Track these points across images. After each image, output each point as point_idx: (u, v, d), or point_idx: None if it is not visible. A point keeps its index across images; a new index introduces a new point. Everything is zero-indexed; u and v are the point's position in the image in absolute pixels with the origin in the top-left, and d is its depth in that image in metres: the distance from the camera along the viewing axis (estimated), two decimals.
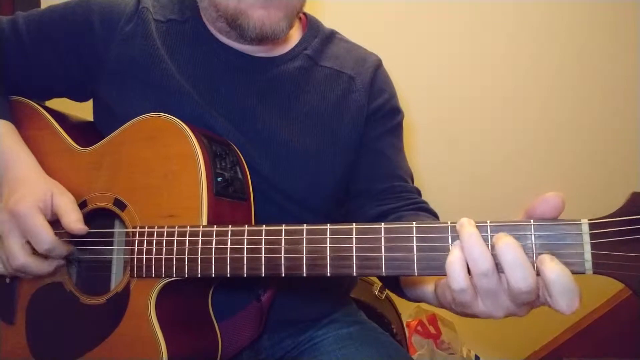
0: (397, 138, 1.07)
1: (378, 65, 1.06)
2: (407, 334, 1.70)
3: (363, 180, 1.02)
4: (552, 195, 0.59)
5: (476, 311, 0.64)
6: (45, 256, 0.84)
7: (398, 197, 1.00)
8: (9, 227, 0.82)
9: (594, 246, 0.56)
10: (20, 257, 0.82)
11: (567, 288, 0.56)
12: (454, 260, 0.60)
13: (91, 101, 1.03)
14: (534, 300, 0.60)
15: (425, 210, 0.98)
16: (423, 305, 1.91)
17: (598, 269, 0.56)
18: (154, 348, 0.78)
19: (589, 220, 0.56)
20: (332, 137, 0.98)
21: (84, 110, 1.05)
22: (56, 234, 0.83)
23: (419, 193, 1.04)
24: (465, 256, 0.60)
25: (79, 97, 1.03)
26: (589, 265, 0.56)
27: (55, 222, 0.84)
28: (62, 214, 0.83)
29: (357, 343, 0.97)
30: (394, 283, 0.89)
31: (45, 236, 0.80)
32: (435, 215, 0.99)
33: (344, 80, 1.01)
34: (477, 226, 0.60)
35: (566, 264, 0.56)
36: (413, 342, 1.76)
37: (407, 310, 1.88)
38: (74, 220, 0.82)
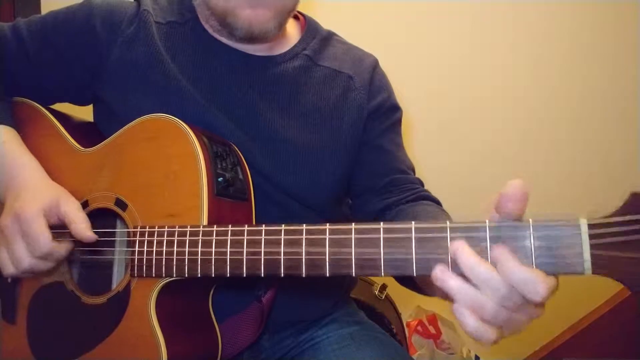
0: (396, 134, 1.08)
1: (375, 65, 1.07)
2: (407, 334, 1.70)
3: (366, 177, 1.03)
4: (516, 186, 0.59)
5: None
6: None
7: (401, 189, 1.01)
8: (11, 231, 0.82)
9: (593, 246, 0.55)
10: (26, 261, 0.82)
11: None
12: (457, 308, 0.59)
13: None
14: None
15: (426, 199, 1.00)
16: (423, 305, 1.91)
17: (597, 269, 0.55)
18: (154, 348, 0.78)
19: (588, 220, 0.56)
20: (332, 136, 0.98)
21: (84, 112, 1.06)
22: (59, 234, 0.83)
23: (421, 183, 1.06)
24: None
25: (82, 101, 1.03)
26: (588, 265, 0.56)
27: (60, 226, 0.85)
28: (70, 221, 0.83)
29: (357, 343, 0.97)
30: (411, 283, 0.87)
31: (43, 242, 0.80)
32: (437, 202, 1.00)
33: (343, 80, 1.01)
34: (474, 227, 0.60)
35: (565, 264, 0.56)
36: (413, 342, 1.76)
37: (407, 310, 1.88)
38: (84, 229, 0.82)
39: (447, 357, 1.76)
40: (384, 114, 1.05)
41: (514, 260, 0.57)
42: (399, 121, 1.09)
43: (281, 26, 0.93)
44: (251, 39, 0.92)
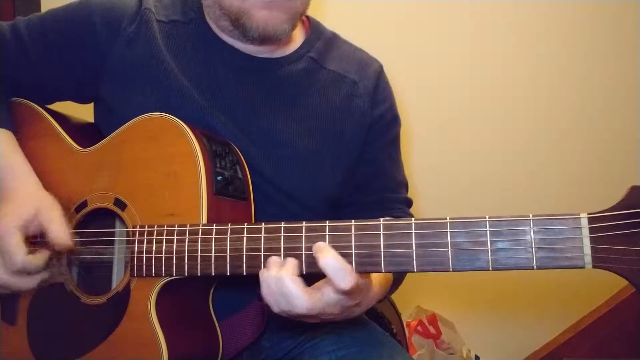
0: (395, 148, 1.08)
1: (380, 71, 1.07)
2: (407, 334, 1.69)
3: (356, 191, 1.04)
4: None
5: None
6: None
7: (383, 208, 1.01)
8: None
9: (593, 240, 0.56)
10: (1, 276, 0.82)
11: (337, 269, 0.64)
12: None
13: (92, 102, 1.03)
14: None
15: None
16: (423, 305, 1.91)
17: (597, 262, 0.56)
18: (155, 348, 0.78)
19: (588, 214, 0.57)
20: (334, 140, 0.98)
21: (84, 112, 1.05)
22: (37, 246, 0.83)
23: (407, 203, 1.07)
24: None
25: (83, 99, 1.03)
26: (588, 259, 0.56)
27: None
28: (45, 229, 0.83)
29: (357, 343, 0.97)
30: None
31: (16, 258, 0.80)
32: None
33: (347, 84, 1.01)
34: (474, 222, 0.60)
35: (565, 258, 0.57)
36: (413, 342, 1.76)
37: (407, 310, 1.88)
38: (59, 235, 0.83)
39: (447, 357, 1.76)
40: (386, 126, 1.05)
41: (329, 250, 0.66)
42: (399, 133, 1.09)
43: (293, 28, 0.93)
44: (264, 39, 0.91)
